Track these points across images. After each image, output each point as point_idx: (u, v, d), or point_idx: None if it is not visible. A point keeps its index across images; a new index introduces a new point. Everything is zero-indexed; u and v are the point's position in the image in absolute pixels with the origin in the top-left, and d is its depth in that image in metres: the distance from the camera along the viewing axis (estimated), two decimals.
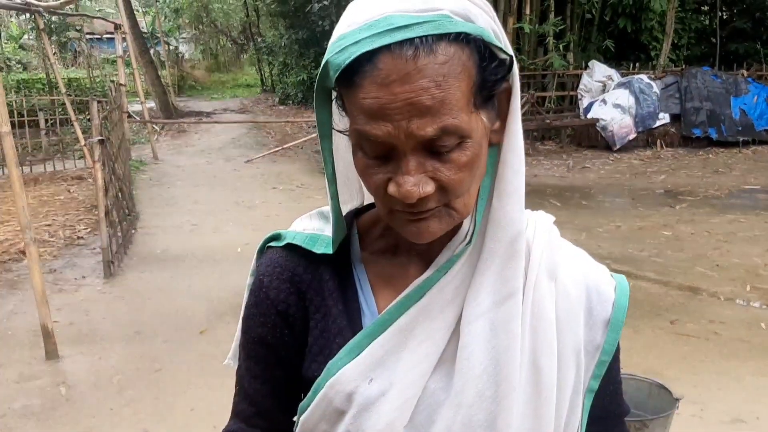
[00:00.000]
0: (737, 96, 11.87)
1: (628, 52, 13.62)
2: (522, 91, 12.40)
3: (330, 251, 0.90)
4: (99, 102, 6.20)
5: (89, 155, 7.66)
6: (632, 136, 11.39)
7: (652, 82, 11.76)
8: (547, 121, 11.89)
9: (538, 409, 0.87)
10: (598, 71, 12.20)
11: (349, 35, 0.73)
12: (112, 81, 13.52)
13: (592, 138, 11.62)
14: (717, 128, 11.62)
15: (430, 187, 0.76)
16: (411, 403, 0.85)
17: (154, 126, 12.98)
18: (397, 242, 0.91)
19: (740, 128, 11.74)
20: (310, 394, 0.89)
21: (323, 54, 0.76)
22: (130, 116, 11.07)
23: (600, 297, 0.92)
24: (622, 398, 1.01)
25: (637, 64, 13.03)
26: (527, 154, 11.23)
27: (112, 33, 12.44)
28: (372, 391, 0.85)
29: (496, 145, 0.83)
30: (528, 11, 11.88)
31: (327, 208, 0.95)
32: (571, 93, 12.83)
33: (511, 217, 0.84)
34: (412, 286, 0.86)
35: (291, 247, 0.92)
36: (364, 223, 0.95)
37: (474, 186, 0.81)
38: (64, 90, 11.23)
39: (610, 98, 11.52)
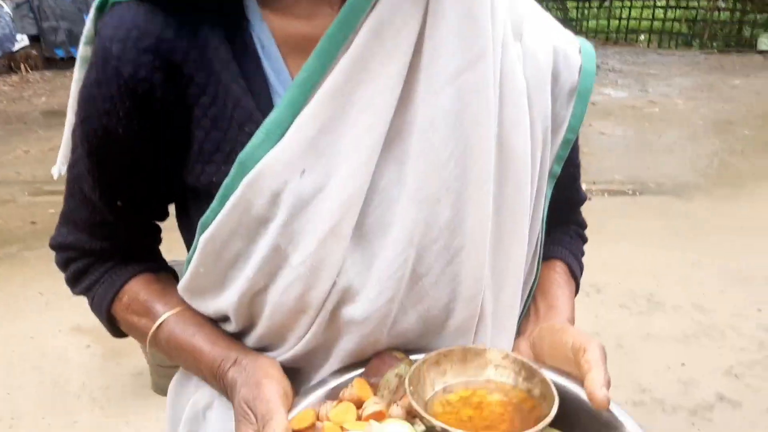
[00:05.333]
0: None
1: None
2: None
3: None
4: None
5: None
6: None
7: (3, 3, 10.10)
8: None
9: (510, 198, 0.70)
10: None
11: None
12: None
13: None
14: (77, 47, 11.21)
15: None
16: (358, 199, 0.64)
17: None
18: None
19: None
20: (214, 204, 0.65)
21: None
22: None
23: (567, 61, 0.76)
24: (580, 184, 0.88)
25: None
26: None
27: None
28: (306, 187, 0.63)
29: None
30: None
31: None
32: None
33: None
34: (334, 23, 0.62)
35: (151, 2, 0.65)
36: None
37: None
38: None
39: None
